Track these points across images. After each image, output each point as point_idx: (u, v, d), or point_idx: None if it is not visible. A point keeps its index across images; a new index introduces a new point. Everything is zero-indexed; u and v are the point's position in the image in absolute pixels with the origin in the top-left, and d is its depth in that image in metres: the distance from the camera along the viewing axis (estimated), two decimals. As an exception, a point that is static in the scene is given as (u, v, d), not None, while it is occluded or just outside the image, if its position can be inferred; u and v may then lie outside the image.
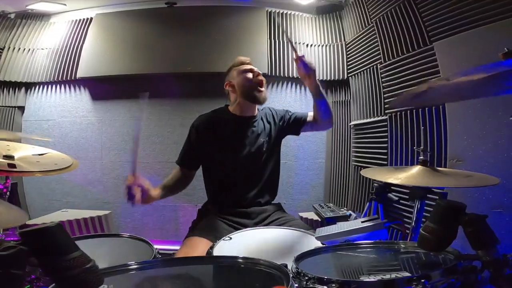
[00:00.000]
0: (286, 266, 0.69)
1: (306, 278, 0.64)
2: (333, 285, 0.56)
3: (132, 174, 1.14)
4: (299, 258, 0.80)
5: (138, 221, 2.76)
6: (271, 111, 1.53)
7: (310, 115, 1.49)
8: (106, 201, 2.79)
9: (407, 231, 1.65)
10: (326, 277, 0.64)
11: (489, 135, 1.37)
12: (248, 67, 1.43)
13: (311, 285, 0.62)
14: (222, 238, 1.08)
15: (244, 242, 1.07)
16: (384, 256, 0.85)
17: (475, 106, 1.43)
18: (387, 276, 0.60)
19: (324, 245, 1.03)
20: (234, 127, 1.42)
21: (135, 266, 0.74)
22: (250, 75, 1.41)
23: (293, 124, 1.50)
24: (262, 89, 1.42)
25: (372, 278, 0.60)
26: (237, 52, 2.60)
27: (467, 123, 1.49)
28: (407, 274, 0.60)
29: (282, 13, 2.75)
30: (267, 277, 0.67)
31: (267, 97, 1.44)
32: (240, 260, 0.74)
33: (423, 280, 0.55)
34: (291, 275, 0.57)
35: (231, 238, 1.09)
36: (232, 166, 1.40)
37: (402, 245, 0.85)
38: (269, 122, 1.48)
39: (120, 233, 1.23)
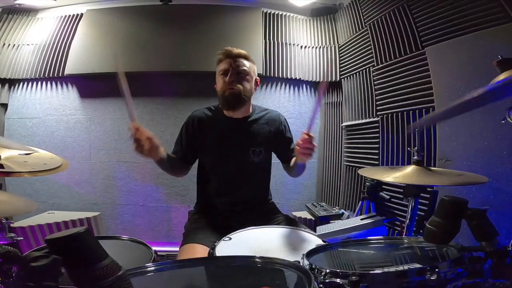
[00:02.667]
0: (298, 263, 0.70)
1: (323, 273, 0.66)
2: (353, 277, 0.58)
3: (133, 122, 1.06)
4: (308, 255, 0.82)
5: (128, 223, 2.70)
6: (280, 119, 1.44)
7: (291, 160, 1.41)
8: (94, 203, 2.71)
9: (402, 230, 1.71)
10: (341, 271, 0.66)
11: (476, 137, 1.44)
12: (223, 66, 1.29)
13: (327, 280, 0.64)
14: (222, 239, 1.08)
15: (244, 242, 1.07)
16: (390, 250, 0.88)
17: (463, 108, 1.50)
18: (400, 268, 0.63)
19: (326, 243, 1.05)
20: (223, 129, 1.35)
21: (149, 269, 0.73)
22: (223, 79, 1.28)
23: (284, 149, 1.44)
24: (238, 98, 1.27)
25: (386, 270, 0.62)
26: (232, 52, 2.61)
27: (455, 125, 1.56)
28: (418, 265, 0.63)
29: (277, 14, 2.78)
30: (286, 276, 0.67)
31: (247, 95, 1.30)
32: (258, 260, 0.73)
33: (437, 270, 0.58)
34: (312, 277, 0.56)
35: (230, 238, 1.09)
36: (221, 169, 1.36)
37: (406, 240, 0.89)
38: (270, 129, 1.39)
39: (120, 236, 1.19)
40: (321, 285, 0.62)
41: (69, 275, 0.44)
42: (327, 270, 0.67)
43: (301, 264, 0.74)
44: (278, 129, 1.43)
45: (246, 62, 1.31)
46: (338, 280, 0.62)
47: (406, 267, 0.62)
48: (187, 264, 0.79)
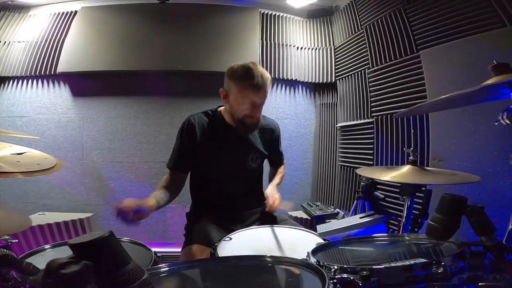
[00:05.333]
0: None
1: (332, 270, 0.67)
2: (364, 272, 0.60)
3: (115, 204, 1.03)
4: (314, 253, 0.83)
5: (122, 223, 2.66)
6: (277, 129, 1.47)
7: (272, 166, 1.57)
8: (87, 203, 2.65)
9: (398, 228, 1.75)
10: (349, 267, 0.68)
11: (467, 138, 1.49)
12: (250, 97, 1.22)
13: (337, 276, 0.65)
14: (223, 239, 1.08)
15: (245, 242, 1.08)
16: (391, 247, 0.91)
17: (456, 112, 1.55)
18: (407, 263, 0.65)
19: (327, 241, 1.06)
20: (223, 136, 1.34)
21: (159, 270, 0.72)
22: (247, 108, 1.24)
23: (275, 156, 1.53)
24: (256, 126, 1.30)
25: (393, 265, 0.65)
26: (229, 52, 2.61)
27: (448, 127, 1.62)
28: (423, 260, 0.66)
29: (274, 15, 2.79)
30: (298, 275, 0.68)
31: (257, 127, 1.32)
32: (268, 259, 0.74)
33: (443, 263, 0.60)
34: (326, 275, 0.57)
35: (231, 239, 1.09)
36: (219, 174, 1.36)
37: (407, 237, 0.92)
38: (266, 138, 1.42)
39: (120, 238, 1.18)
40: (335, 281, 0.63)
41: (95, 281, 0.42)
42: (336, 267, 0.68)
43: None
44: (274, 138, 1.47)
45: (268, 89, 1.27)
46: (348, 276, 0.63)
47: (412, 261, 0.65)
48: (198, 264, 0.79)
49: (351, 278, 0.62)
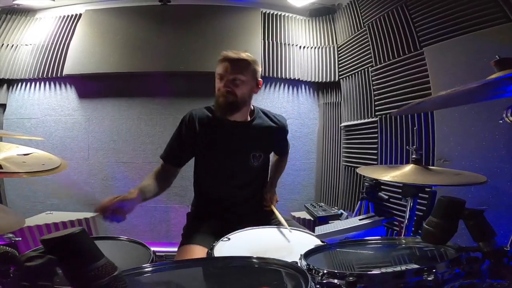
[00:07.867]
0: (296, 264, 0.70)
1: (321, 274, 0.65)
2: (351, 278, 0.58)
3: (97, 210, 1.03)
4: (306, 255, 0.82)
5: (127, 223, 2.66)
6: (286, 128, 1.42)
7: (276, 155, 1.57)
8: (93, 203, 2.69)
9: (400, 230, 1.71)
10: (338, 272, 0.66)
11: (473, 137, 1.45)
12: (219, 70, 1.23)
13: (325, 280, 0.63)
14: (221, 239, 1.07)
15: (243, 242, 1.06)
16: (388, 251, 0.88)
17: (461, 110, 1.51)
18: (398, 269, 0.63)
19: (325, 243, 1.05)
20: (223, 131, 1.31)
21: (147, 269, 0.72)
22: (218, 83, 1.24)
23: (280, 148, 1.52)
24: (233, 105, 1.23)
25: (383, 270, 0.62)
26: (230, 52, 2.61)
27: (453, 126, 1.57)
28: (415, 266, 0.63)
29: (276, 15, 2.78)
30: (284, 277, 0.67)
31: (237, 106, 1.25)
32: (255, 260, 0.73)
33: (434, 270, 0.58)
34: (309, 277, 0.56)
35: (229, 239, 1.09)
36: (220, 172, 1.34)
37: (403, 241, 0.89)
38: (271, 135, 1.37)
39: (118, 236, 1.19)
40: (318, 286, 0.62)
41: (64, 275, 0.45)
42: (325, 271, 0.66)
43: (299, 264, 0.73)
44: (282, 135, 1.44)
45: (244, 66, 1.25)
46: (335, 281, 0.62)
47: (403, 267, 0.62)
48: (185, 264, 0.79)
49: (337, 283, 0.60)
